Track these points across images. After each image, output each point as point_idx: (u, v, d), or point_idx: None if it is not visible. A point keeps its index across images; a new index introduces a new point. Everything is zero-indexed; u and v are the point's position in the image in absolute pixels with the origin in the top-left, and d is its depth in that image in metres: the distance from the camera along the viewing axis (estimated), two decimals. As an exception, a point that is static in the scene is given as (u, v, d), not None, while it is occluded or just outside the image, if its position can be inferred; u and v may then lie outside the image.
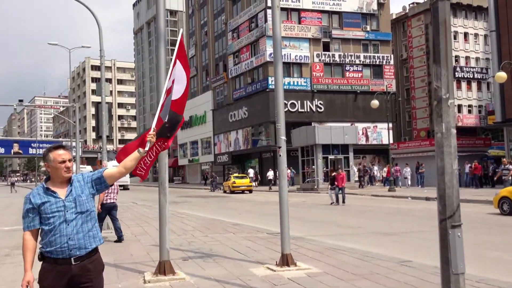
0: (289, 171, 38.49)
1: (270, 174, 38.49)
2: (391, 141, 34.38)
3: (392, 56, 49.32)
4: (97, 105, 14.12)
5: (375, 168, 39.13)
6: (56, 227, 3.33)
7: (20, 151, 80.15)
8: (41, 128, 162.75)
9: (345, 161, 33.82)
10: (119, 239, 10.65)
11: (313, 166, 33.04)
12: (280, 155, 7.80)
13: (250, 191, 35.15)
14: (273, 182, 35.87)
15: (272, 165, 43.65)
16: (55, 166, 3.42)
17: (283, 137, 7.83)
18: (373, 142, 46.86)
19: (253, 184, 34.81)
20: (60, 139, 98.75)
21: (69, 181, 3.48)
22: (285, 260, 7.31)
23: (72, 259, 3.33)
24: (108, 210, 10.86)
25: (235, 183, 35.09)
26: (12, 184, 54.47)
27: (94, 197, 3.60)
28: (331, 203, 20.71)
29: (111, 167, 3.98)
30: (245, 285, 6.43)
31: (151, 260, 8.23)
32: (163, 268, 6.83)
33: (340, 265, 7.52)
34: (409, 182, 34.14)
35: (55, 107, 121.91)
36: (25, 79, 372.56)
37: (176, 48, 5.07)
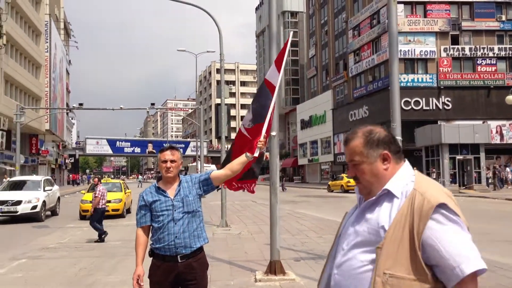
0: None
1: None
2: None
3: (531, 46, 44.65)
4: (216, 106, 14.75)
5: (508, 169, 35.79)
6: (164, 225, 3.48)
7: (154, 151, 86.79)
8: (172, 129, 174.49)
9: (475, 161, 31.42)
10: (102, 239, 11.63)
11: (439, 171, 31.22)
12: (395, 156, 7.46)
13: None
14: None
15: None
16: (159, 165, 3.62)
17: (399, 138, 7.49)
18: (509, 141, 42.83)
19: None
20: (188, 139, 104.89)
21: (178, 182, 3.64)
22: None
23: (178, 257, 3.45)
24: (101, 214, 11.82)
25: (349, 182, 34.82)
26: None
27: (200, 198, 3.70)
28: None
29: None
30: (356, 290, 6.23)
31: (264, 259, 8.36)
32: (274, 268, 6.90)
33: (462, 275, 6.96)
34: None
35: (184, 109, 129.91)
36: (159, 83, 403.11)
37: (286, 52, 5.02)
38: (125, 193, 18.78)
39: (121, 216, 17.66)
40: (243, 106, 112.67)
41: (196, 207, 3.60)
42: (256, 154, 3.90)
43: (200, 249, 3.61)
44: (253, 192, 5.36)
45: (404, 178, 1.78)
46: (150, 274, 3.55)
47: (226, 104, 14.09)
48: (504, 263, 7.75)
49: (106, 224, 15.84)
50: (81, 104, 33.27)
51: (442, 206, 1.65)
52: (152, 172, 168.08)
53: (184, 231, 3.49)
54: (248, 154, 3.81)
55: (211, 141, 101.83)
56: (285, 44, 5.00)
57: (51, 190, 18.62)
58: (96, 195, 11.73)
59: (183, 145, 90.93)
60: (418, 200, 1.67)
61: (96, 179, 12.53)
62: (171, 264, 3.47)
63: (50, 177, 22.35)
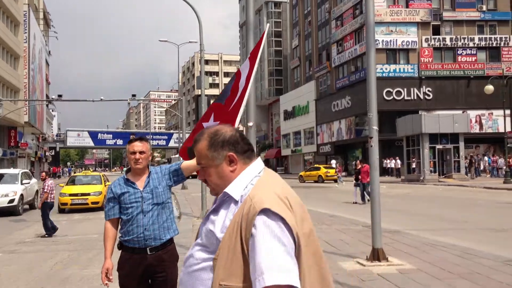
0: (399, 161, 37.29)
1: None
2: (508, 129, 31.66)
3: (511, 37, 45.21)
4: (197, 98, 14.64)
5: (485, 158, 36.31)
6: (133, 217, 3.42)
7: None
8: (155, 120, 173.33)
9: (454, 151, 31.80)
10: (50, 235, 11.42)
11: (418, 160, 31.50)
12: (371, 146, 7.50)
13: (335, 181, 35.15)
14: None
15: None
16: (128, 157, 3.56)
17: (375, 127, 7.52)
18: (488, 130, 43.48)
19: (338, 175, 35.07)
20: (171, 131, 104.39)
21: (147, 173, 3.58)
22: (376, 255, 7.02)
23: (147, 249, 3.40)
24: (50, 208, 11.66)
25: (328, 172, 37.23)
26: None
27: (170, 190, 3.65)
28: (353, 202, 17.73)
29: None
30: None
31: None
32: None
33: (437, 262, 7.06)
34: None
35: (166, 100, 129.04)
36: (142, 75, 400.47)
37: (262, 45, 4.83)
38: (105, 185, 18.60)
39: (100, 209, 17.47)
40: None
41: (165, 198, 3.55)
42: None
43: (170, 241, 3.57)
44: None
45: (245, 180, 1.72)
46: (119, 267, 3.50)
47: (206, 95, 13.98)
48: (479, 251, 7.85)
49: (85, 217, 15.79)
50: (60, 96, 32.80)
51: (264, 211, 1.57)
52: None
53: (154, 223, 3.45)
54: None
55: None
56: (261, 38, 4.88)
57: (29, 183, 18.37)
58: (46, 190, 11.58)
59: (166, 137, 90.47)
60: (247, 205, 1.61)
61: (44, 173, 12.34)
62: (141, 257, 3.42)
63: (28, 170, 22.03)
